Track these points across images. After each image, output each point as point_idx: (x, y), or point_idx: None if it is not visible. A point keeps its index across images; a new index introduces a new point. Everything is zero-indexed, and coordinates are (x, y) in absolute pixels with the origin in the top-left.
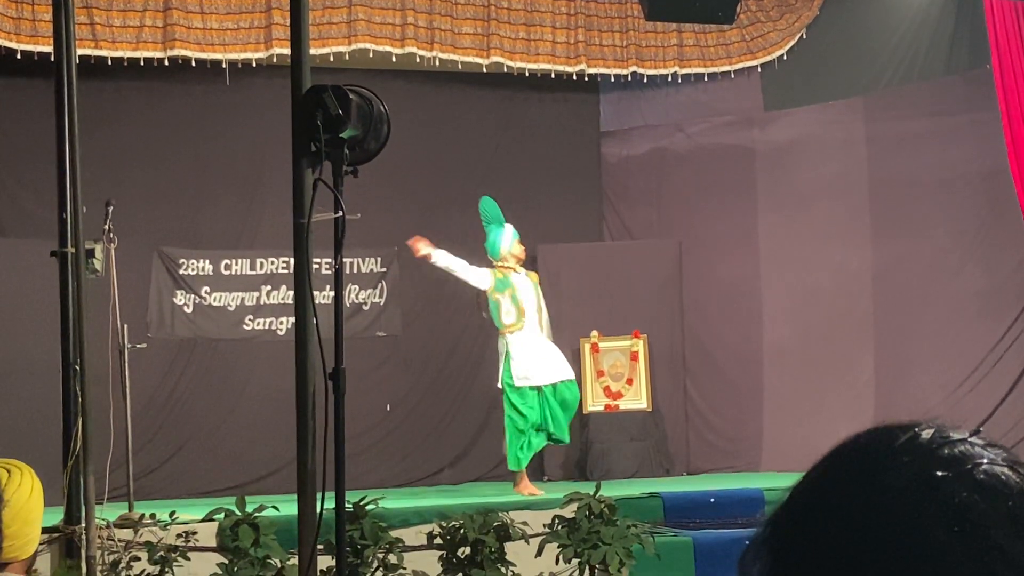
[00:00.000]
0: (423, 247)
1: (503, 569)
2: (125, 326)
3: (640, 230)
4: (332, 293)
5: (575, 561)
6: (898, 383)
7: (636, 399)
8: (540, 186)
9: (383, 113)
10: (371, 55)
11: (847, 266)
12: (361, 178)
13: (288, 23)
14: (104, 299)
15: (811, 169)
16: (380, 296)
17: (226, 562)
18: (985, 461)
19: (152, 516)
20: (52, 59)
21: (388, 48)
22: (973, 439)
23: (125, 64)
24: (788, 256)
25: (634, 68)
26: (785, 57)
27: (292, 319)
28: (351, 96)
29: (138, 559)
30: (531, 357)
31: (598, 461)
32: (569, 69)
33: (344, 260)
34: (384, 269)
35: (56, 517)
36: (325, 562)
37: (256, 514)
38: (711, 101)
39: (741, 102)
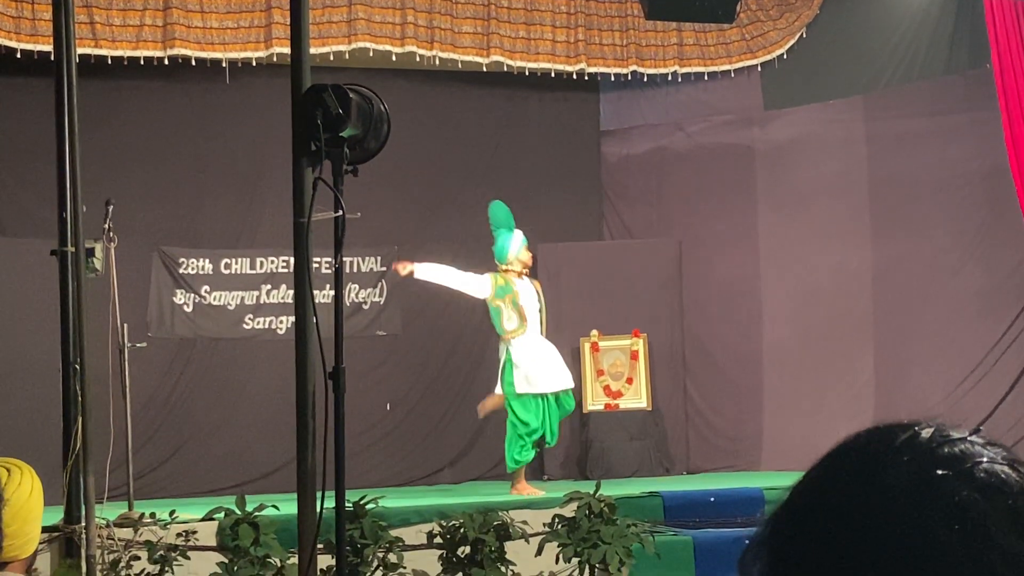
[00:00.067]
0: (403, 266)
1: (503, 568)
2: (125, 325)
3: (640, 229)
4: (332, 292)
5: (575, 560)
6: (898, 382)
7: (636, 398)
8: (540, 185)
9: (383, 112)
10: (371, 54)
11: (847, 265)
12: (361, 177)
13: (288, 22)
14: (104, 298)
15: (811, 168)
16: (380, 295)
17: (226, 561)
18: (985, 460)
19: (152, 515)
20: (52, 58)
21: (388, 47)
22: (973, 438)
23: (125, 63)
24: (788, 255)
25: (634, 67)
26: (785, 56)
27: (292, 318)
28: (351, 95)
29: (138, 558)
30: (534, 363)
31: (598, 460)
32: (569, 68)
33: (344, 259)
34: (384, 268)
35: (56, 516)
36: (325, 561)
37: (256, 513)
38: (711, 100)
39: (741, 101)
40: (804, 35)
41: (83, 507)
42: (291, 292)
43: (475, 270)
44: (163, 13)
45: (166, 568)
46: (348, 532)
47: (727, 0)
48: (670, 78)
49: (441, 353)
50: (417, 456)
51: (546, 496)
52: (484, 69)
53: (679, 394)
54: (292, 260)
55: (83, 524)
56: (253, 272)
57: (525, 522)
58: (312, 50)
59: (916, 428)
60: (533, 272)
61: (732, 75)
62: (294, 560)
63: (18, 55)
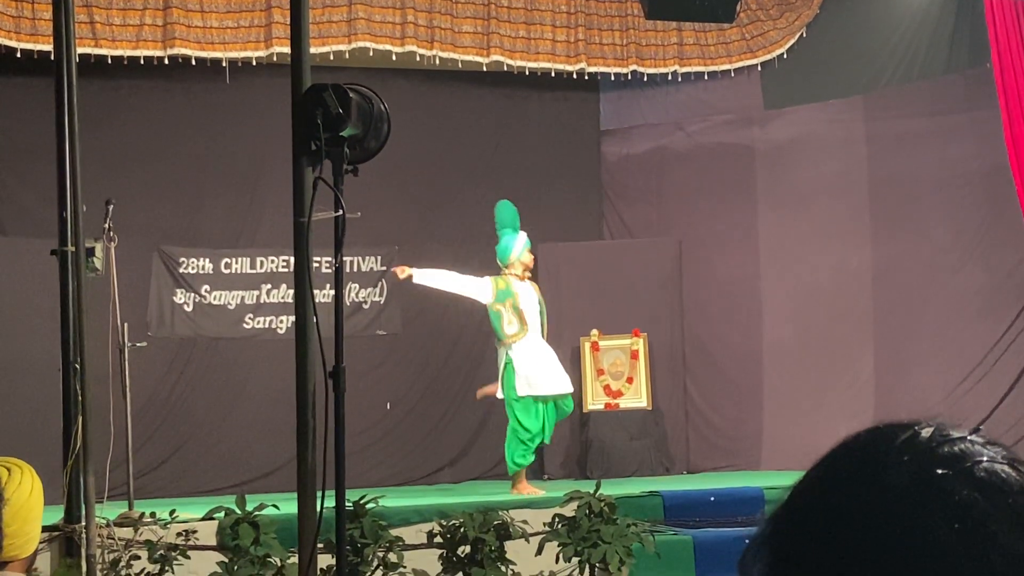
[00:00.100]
0: (402, 271)
1: (503, 568)
2: (125, 325)
3: (640, 229)
4: (332, 292)
5: (575, 560)
6: (898, 382)
7: (636, 398)
8: (540, 185)
9: (383, 112)
10: (371, 54)
11: (847, 265)
12: (361, 177)
13: (288, 22)
14: (104, 298)
15: (811, 168)
16: (380, 295)
17: (226, 561)
18: (985, 459)
19: (152, 515)
20: (52, 58)
21: (388, 47)
22: (973, 437)
23: (125, 63)
24: (788, 255)
25: (634, 67)
26: (785, 56)
27: (292, 318)
28: (351, 95)
29: (138, 558)
30: (534, 366)
31: (598, 459)
32: (569, 68)
33: (344, 259)
34: (384, 268)
35: (56, 516)
36: (325, 560)
37: (256, 513)
38: (711, 100)
39: (741, 101)
40: (804, 35)
41: (83, 506)
42: (291, 292)
43: (475, 270)
44: (163, 13)
45: (166, 568)
46: (348, 531)
47: (727, 0)
48: (670, 78)
49: (441, 353)
50: (417, 455)
51: (546, 495)
52: (484, 69)
53: (679, 393)
54: (292, 260)
55: (83, 523)
56: (253, 272)
57: (525, 521)
58: (312, 50)
59: (916, 427)
60: (533, 272)
61: (732, 75)
62: (294, 559)
63: (18, 55)
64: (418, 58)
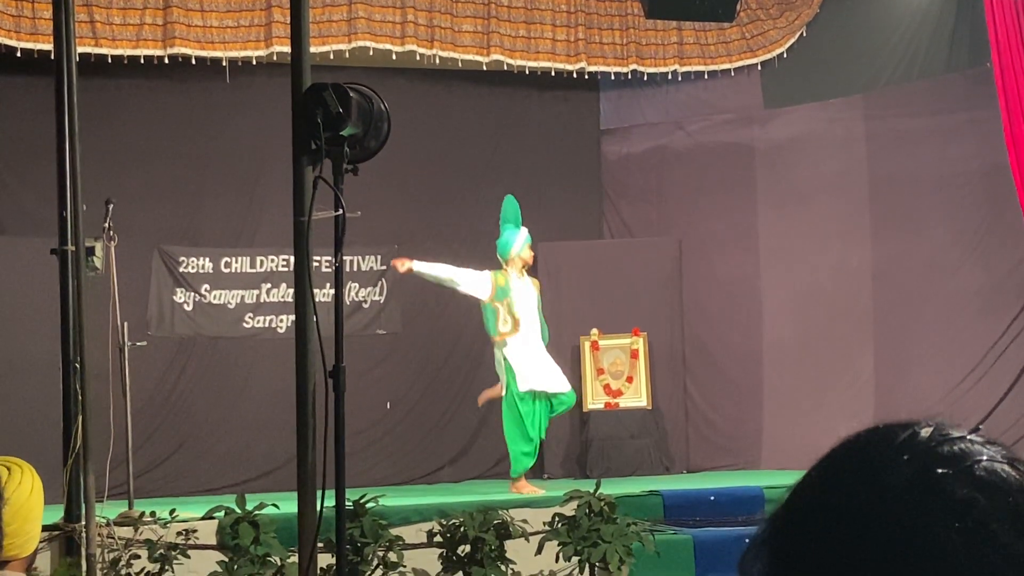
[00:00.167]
0: (402, 262)
1: (503, 567)
2: (125, 324)
3: (640, 228)
4: (332, 291)
5: (575, 559)
6: (898, 381)
7: (636, 397)
8: (540, 184)
9: (383, 111)
10: (371, 53)
11: (847, 264)
12: (361, 176)
13: (288, 21)
14: (104, 297)
15: (811, 167)
16: (380, 294)
17: (226, 560)
18: (985, 458)
19: (152, 514)
20: (52, 57)
21: (388, 46)
22: (972, 437)
23: (125, 62)
24: (788, 254)
25: (634, 66)
26: (785, 55)
27: (292, 317)
28: (351, 94)
29: (138, 557)
30: (528, 362)
31: (598, 459)
32: (569, 67)
33: (344, 258)
34: (384, 267)
35: (56, 515)
36: (325, 560)
37: (256, 512)
38: (711, 99)
39: (741, 100)
40: (804, 34)
41: (83, 506)
42: (291, 291)
43: (475, 269)
44: (163, 12)
45: (166, 567)
46: (348, 531)
47: None
48: (670, 77)
49: (441, 352)
50: (417, 455)
51: (546, 495)
52: (484, 68)
53: (679, 393)
54: (292, 259)
55: (83, 523)
56: (253, 271)
57: (525, 521)
58: (312, 49)
59: (915, 427)
60: (533, 271)
61: (732, 74)
62: (294, 559)
63: (18, 54)
64: (418, 57)
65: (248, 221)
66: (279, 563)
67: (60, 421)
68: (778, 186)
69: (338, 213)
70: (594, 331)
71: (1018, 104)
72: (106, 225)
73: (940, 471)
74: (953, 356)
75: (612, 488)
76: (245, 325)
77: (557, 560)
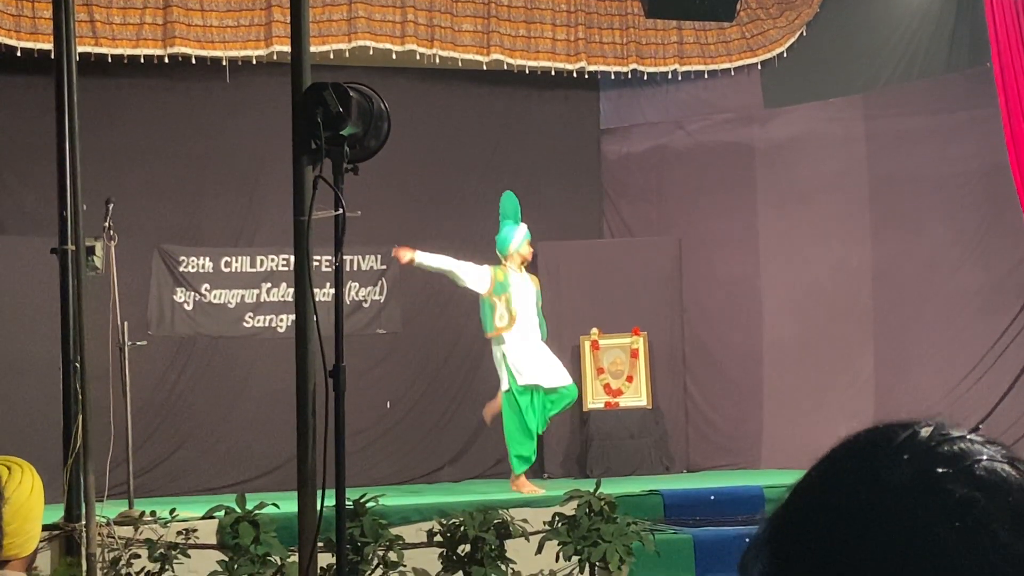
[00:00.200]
0: (405, 253)
1: (503, 566)
2: (125, 323)
3: (640, 227)
4: (332, 290)
5: (575, 559)
6: (898, 380)
7: (636, 396)
8: (540, 183)
9: (383, 110)
10: (371, 52)
11: (847, 263)
12: (361, 176)
13: (288, 20)
14: (104, 296)
15: (811, 166)
16: (380, 293)
17: (226, 559)
18: (984, 458)
19: (152, 513)
20: (52, 56)
21: (388, 45)
22: (972, 436)
23: (125, 61)
24: (788, 253)
25: (634, 65)
26: (785, 54)
27: (292, 316)
28: (351, 93)
29: (138, 556)
30: (526, 357)
31: (598, 458)
32: (569, 66)
33: (344, 257)
34: (384, 266)
35: (56, 514)
36: (325, 559)
37: (256, 511)
38: (711, 98)
39: (741, 99)
40: (804, 33)
41: (83, 505)
42: (291, 290)
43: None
44: (163, 11)
45: (166, 566)
46: (348, 530)
47: None
48: (670, 76)
49: (441, 351)
50: (417, 454)
51: (546, 494)
52: (484, 67)
53: (679, 392)
54: (292, 258)
55: (83, 522)
56: (253, 270)
57: (525, 520)
58: (312, 48)
59: (915, 427)
60: (533, 270)
61: (732, 73)
62: (294, 558)
63: (18, 53)
64: (418, 57)
65: (248, 221)
66: (279, 563)
67: (60, 421)
68: (778, 186)
69: (338, 212)
70: (594, 330)
71: (1018, 104)
72: (106, 224)
73: (940, 470)
74: (953, 356)
75: (612, 487)
76: (245, 325)
77: (557, 560)
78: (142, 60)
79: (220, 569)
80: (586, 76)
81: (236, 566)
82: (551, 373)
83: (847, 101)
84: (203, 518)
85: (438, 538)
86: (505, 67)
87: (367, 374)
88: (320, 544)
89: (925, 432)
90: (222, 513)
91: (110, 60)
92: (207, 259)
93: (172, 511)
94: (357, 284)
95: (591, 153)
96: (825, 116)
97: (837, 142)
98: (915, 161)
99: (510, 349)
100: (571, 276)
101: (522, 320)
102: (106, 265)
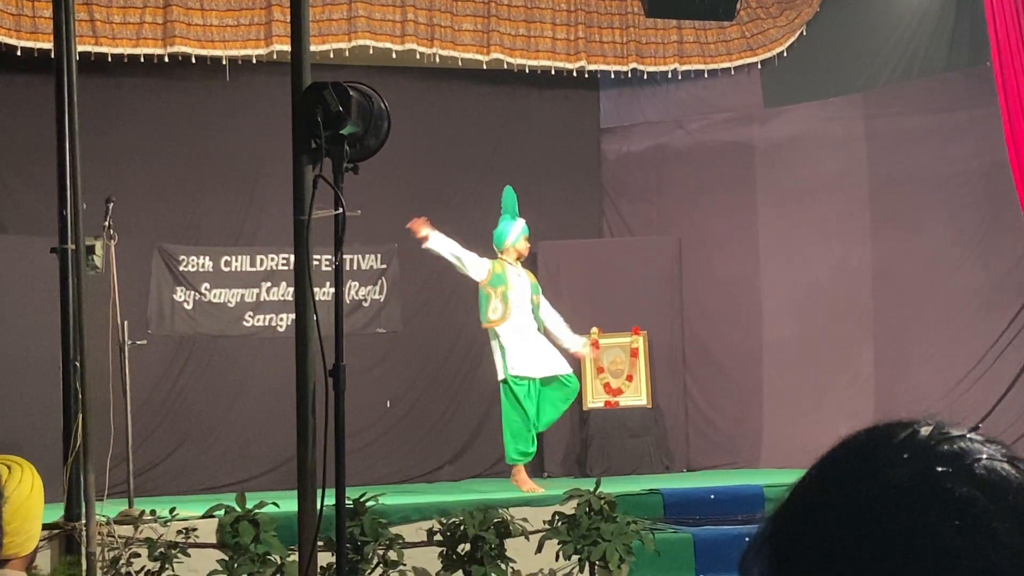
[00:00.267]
0: (424, 228)
1: (503, 565)
2: (125, 323)
3: (640, 226)
4: (332, 290)
5: (575, 558)
6: (898, 379)
7: (636, 396)
8: (540, 182)
9: (383, 110)
10: (371, 51)
11: (847, 262)
12: (361, 175)
13: (288, 19)
14: (104, 296)
15: (811, 166)
16: (380, 292)
17: (226, 558)
18: (984, 457)
19: (152, 512)
20: (52, 56)
21: (388, 44)
22: (972, 435)
23: (125, 61)
24: (788, 252)
25: (634, 65)
26: (785, 54)
27: (292, 316)
28: (351, 93)
29: (138, 555)
30: (522, 347)
31: (598, 457)
32: (569, 65)
33: (344, 256)
34: (384, 265)
35: (56, 513)
36: (325, 558)
37: (256, 510)
38: (711, 98)
39: (741, 99)
40: (804, 33)
41: (83, 504)
42: (291, 289)
43: None
44: (163, 11)
45: (166, 565)
46: (348, 529)
47: None
48: (670, 75)
49: (441, 350)
50: (417, 453)
51: (546, 493)
52: (484, 67)
53: (679, 391)
54: (292, 258)
55: (83, 521)
56: (253, 270)
57: (525, 519)
58: (312, 47)
59: (915, 426)
60: (533, 269)
61: (732, 72)
62: (294, 557)
63: (18, 52)
64: (418, 56)
65: (248, 220)
66: (279, 562)
67: (60, 419)
68: (778, 185)
69: (338, 212)
70: (594, 330)
71: (1018, 103)
72: (106, 224)
73: (940, 469)
74: (953, 355)
75: (612, 487)
76: (245, 324)
77: (557, 559)
78: (142, 59)
79: (220, 568)
80: (586, 75)
81: (236, 565)
82: (547, 363)
83: (847, 100)
84: (203, 517)
85: (438, 537)
86: (505, 66)
87: (367, 373)
88: (320, 543)
89: (925, 431)
90: (222, 512)
91: (110, 59)
92: (207, 258)
93: (172, 510)
94: (357, 283)
95: (591, 152)
96: (825, 115)
97: (837, 141)
98: (915, 160)
99: (504, 341)
100: (571, 275)
101: (516, 314)
102: (106, 264)
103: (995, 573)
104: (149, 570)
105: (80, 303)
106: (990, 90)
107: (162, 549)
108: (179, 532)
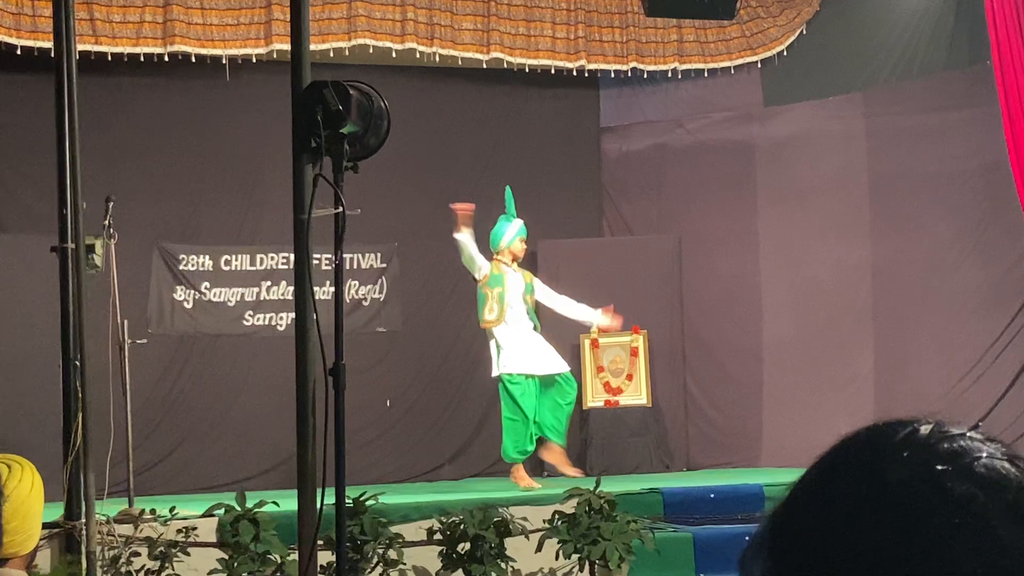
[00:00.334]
0: (463, 211)
1: (503, 564)
2: (125, 322)
3: (640, 226)
4: (332, 289)
5: (575, 557)
6: (898, 378)
7: (636, 395)
8: (540, 182)
9: (383, 109)
10: (371, 51)
11: (847, 261)
12: (361, 174)
13: (288, 19)
14: (104, 295)
15: (811, 164)
16: (380, 292)
17: (226, 557)
18: (984, 455)
19: (152, 511)
20: (52, 55)
21: (388, 44)
22: (972, 434)
23: (125, 60)
24: (788, 251)
25: (634, 64)
26: (785, 53)
27: (292, 315)
28: (351, 92)
29: (138, 554)
30: (518, 346)
31: (598, 457)
32: (569, 65)
33: (344, 256)
34: (384, 265)
35: (56, 513)
36: (325, 557)
37: (256, 509)
38: (711, 97)
39: (741, 98)
40: (804, 32)
41: (83, 503)
42: (291, 288)
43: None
44: (163, 10)
45: (166, 564)
46: (348, 528)
47: None
48: (670, 75)
49: (441, 349)
50: (417, 452)
51: (546, 492)
52: (484, 66)
53: (679, 390)
54: (292, 256)
55: (83, 520)
56: (253, 269)
57: (525, 518)
58: (312, 46)
59: (915, 424)
60: (533, 269)
61: (732, 72)
62: (294, 556)
63: (18, 51)
64: (418, 55)
65: (248, 219)
66: (279, 561)
67: (60, 419)
68: (778, 184)
69: (338, 211)
70: (594, 329)
71: (1018, 101)
72: (106, 223)
73: (940, 468)
74: (953, 353)
75: (612, 486)
76: (245, 323)
77: (557, 558)
78: (142, 58)
79: (220, 567)
80: (586, 74)
81: (236, 564)
82: (543, 361)
83: (847, 99)
84: (203, 516)
85: (438, 536)
86: (505, 65)
87: (367, 372)
88: (320, 542)
89: (925, 430)
90: (222, 511)
91: (110, 58)
92: (207, 257)
93: (172, 509)
94: (357, 282)
95: (591, 151)
96: (825, 114)
97: (837, 140)
98: (915, 159)
99: (501, 341)
100: (571, 274)
101: (511, 315)
102: (106, 263)
103: (995, 571)
104: (149, 569)
105: (80, 302)
106: (990, 89)
107: (162, 548)
108: (179, 531)
